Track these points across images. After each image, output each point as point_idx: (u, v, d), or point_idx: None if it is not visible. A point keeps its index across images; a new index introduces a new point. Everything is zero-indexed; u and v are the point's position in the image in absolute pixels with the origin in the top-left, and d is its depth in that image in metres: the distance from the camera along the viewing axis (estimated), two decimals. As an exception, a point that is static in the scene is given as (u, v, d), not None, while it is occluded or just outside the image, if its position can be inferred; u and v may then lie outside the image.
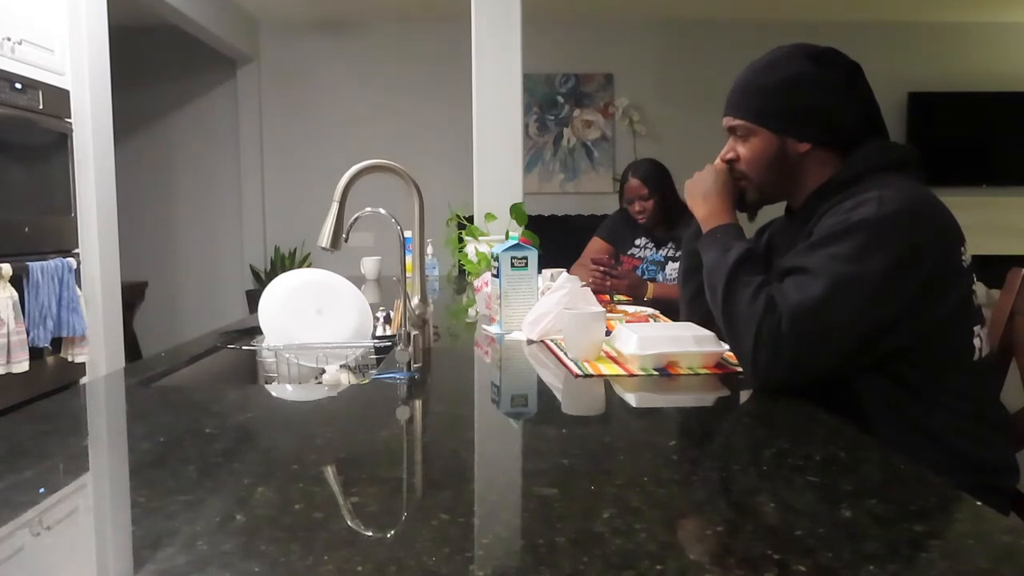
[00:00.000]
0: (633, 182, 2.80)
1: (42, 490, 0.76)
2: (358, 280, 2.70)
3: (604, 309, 1.52)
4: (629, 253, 2.92)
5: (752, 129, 1.29)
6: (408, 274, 1.51)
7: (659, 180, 2.79)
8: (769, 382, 1.13)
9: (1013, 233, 5.41)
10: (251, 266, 5.67)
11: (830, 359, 1.11)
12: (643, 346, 1.27)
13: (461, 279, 3.26)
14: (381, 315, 1.83)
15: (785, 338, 1.09)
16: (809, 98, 1.25)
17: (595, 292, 1.98)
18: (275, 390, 1.37)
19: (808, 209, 1.27)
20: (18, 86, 2.74)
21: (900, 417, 1.15)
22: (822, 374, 1.12)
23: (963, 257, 1.17)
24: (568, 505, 0.70)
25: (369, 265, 3.46)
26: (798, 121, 1.26)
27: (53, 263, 2.82)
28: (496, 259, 1.73)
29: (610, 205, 3.66)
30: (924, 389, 1.15)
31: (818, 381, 1.11)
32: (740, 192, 1.35)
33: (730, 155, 1.34)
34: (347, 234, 1.37)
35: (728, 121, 1.33)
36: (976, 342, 1.18)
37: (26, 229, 2.78)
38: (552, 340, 1.57)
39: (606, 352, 1.40)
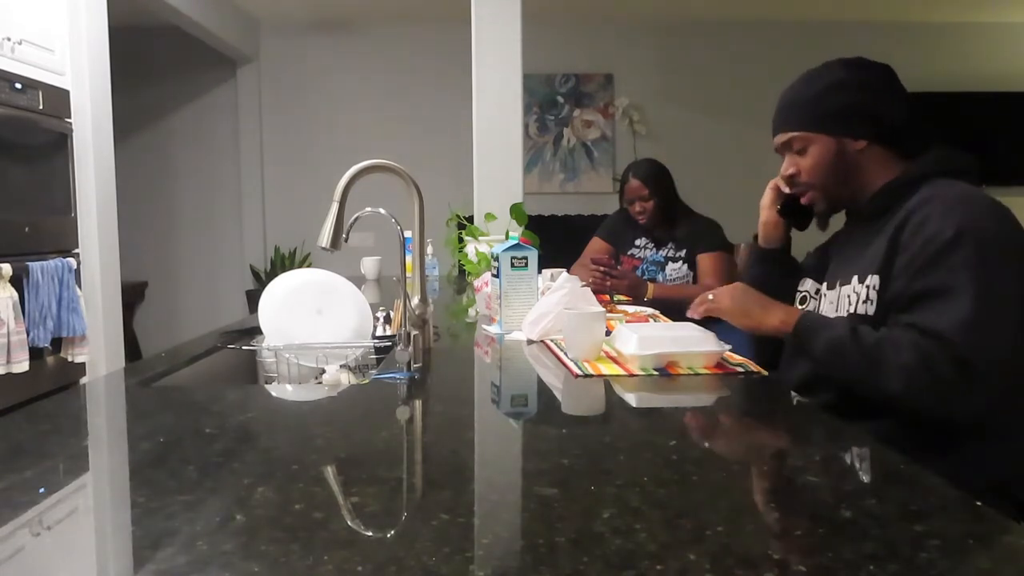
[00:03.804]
0: (633, 182, 2.80)
1: (42, 490, 0.76)
2: (358, 280, 2.70)
3: (604, 309, 1.52)
4: (629, 253, 2.92)
5: (809, 138, 1.31)
6: (408, 274, 1.51)
7: (659, 180, 2.79)
8: (971, 411, 1.10)
9: (1013, 233, 5.40)
10: (251, 266, 5.66)
11: (1002, 356, 1.08)
12: (643, 346, 1.27)
13: (461, 279, 3.26)
14: (381, 315, 1.83)
15: (960, 363, 1.05)
16: (854, 97, 1.28)
17: (595, 292, 1.98)
18: (275, 390, 1.37)
19: (875, 207, 1.28)
20: (18, 86, 2.74)
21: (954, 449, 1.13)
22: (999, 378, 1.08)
23: None
24: (568, 505, 0.70)
25: (369, 265, 3.46)
26: (850, 120, 1.28)
27: (53, 263, 2.82)
28: (496, 259, 1.73)
29: (610, 205, 3.65)
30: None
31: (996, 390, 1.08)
32: (808, 204, 1.36)
33: (791, 171, 1.36)
34: (347, 234, 1.37)
35: (781, 137, 1.35)
36: None
37: (26, 229, 2.78)
38: (552, 340, 1.57)
39: (606, 352, 1.40)
